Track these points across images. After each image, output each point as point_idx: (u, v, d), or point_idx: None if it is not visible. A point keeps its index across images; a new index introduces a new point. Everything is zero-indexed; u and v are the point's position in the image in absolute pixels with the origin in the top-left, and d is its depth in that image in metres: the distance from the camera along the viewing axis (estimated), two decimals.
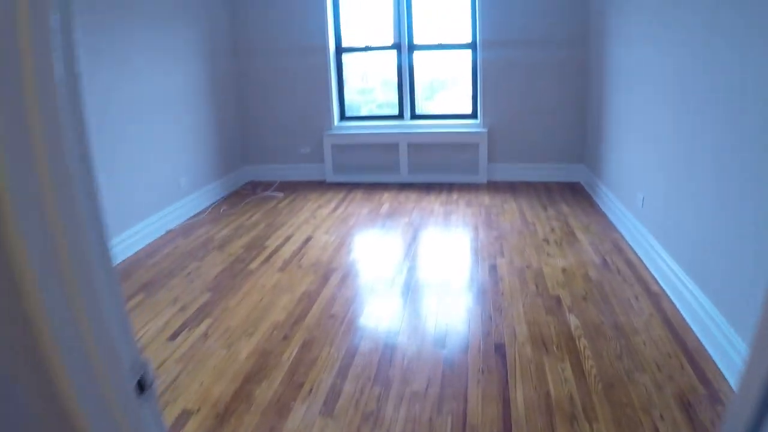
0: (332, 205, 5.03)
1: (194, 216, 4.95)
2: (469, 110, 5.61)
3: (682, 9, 2.92)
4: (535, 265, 3.54)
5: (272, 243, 4.18)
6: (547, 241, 3.95)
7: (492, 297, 3.16)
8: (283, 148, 5.91)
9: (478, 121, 5.44)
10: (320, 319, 3.04)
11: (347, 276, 3.54)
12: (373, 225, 4.50)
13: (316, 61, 5.56)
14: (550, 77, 5.20)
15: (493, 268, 3.53)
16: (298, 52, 5.58)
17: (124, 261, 4.07)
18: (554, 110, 5.28)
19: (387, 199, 5.09)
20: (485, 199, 4.98)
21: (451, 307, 3.09)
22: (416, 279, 3.44)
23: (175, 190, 4.78)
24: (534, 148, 5.41)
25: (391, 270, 3.60)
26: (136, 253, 4.21)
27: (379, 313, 3.05)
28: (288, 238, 4.25)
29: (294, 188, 5.65)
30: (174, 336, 3.00)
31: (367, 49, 5.75)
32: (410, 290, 3.29)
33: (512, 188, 5.29)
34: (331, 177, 5.70)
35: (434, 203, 4.93)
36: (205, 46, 5.18)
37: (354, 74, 6.38)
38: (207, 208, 5.17)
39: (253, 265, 3.81)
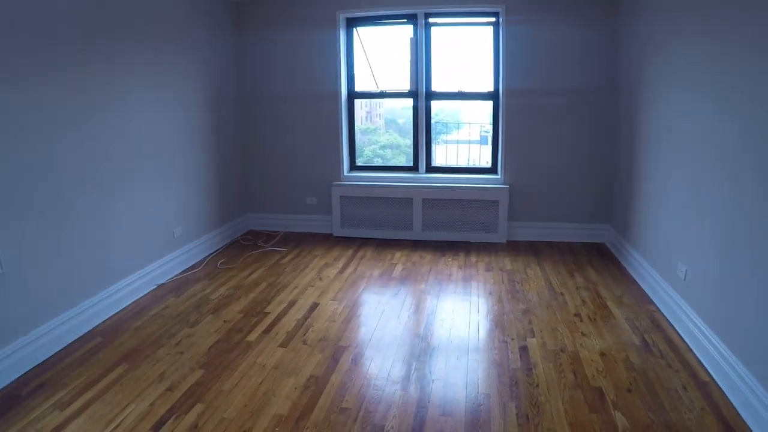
0: (340, 263, 4.62)
1: (189, 269, 4.53)
2: (488, 164, 5.29)
3: (749, 53, 2.57)
4: (570, 348, 3.14)
5: (274, 309, 3.76)
6: (579, 316, 3.56)
7: (526, 389, 2.75)
8: (287, 197, 5.55)
9: (498, 176, 5.11)
10: (330, 413, 2.61)
11: (359, 358, 3.11)
12: (386, 291, 4.10)
13: (326, 107, 5.25)
14: (576, 130, 4.90)
15: (524, 351, 3.13)
16: (306, 98, 5.27)
17: (106, 321, 3.64)
18: (579, 166, 4.97)
19: (400, 259, 4.70)
20: (506, 262, 4.61)
21: (480, 400, 2.67)
22: (437, 365, 3.02)
23: (169, 240, 4.38)
24: (556, 206, 5.08)
25: (407, 351, 3.17)
26: (120, 311, 3.79)
27: (396, 411, 2.62)
28: (292, 304, 3.83)
29: (299, 241, 5.25)
30: (158, 426, 2.56)
31: (382, 95, 5.46)
32: (431, 380, 2.87)
33: (534, 249, 4.93)
34: (338, 230, 5.31)
35: (452, 266, 4.54)
36: (207, 89, 4.86)
37: (358, 113, 6.13)
38: (203, 260, 4.75)
39: (252, 337, 3.38)
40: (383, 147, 5.90)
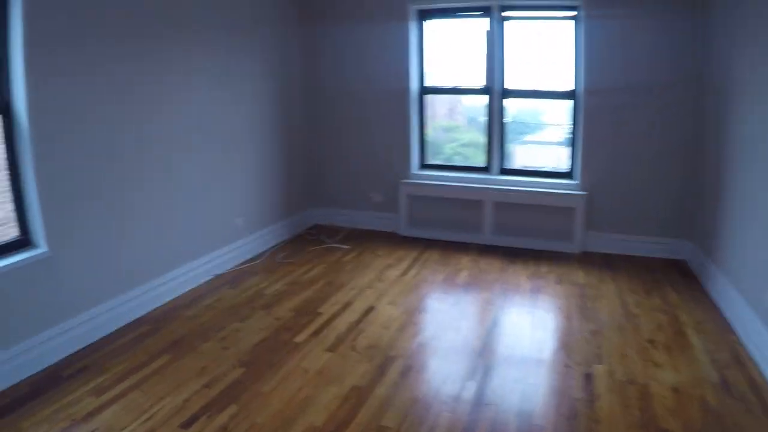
0: (403, 265, 4.35)
1: (248, 261, 4.44)
2: (565, 167, 4.82)
3: None
4: (641, 379, 2.71)
5: (327, 310, 3.55)
6: (653, 342, 3.09)
7: (586, 424, 2.37)
8: (354, 192, 5.35)
9: (575, 182, 4.64)
10: (366, 430, 2.35)
11: (408, 371, 2.83)
12: (448, 299, 3.78)
13: (396, 102, 4.99)
14: (659, 134, 4.33)
15: (589, 379, 2.72)
16: (375, 92, 5.03)
17: (159, 307, 3.61)
18: (661, 173, 4.39)
19: (466, 265, 4.36)
20: (579, 275, 4.14)
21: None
22: (491, 387, 2.68)
23: (230, 231, 4.30)
24: (636, 217, 4.53)
25: (461, 368, 2.86)
26: (175, 299, 3.75)
27: None
28: (347, 306, 3.61)
29: (362, 239, 5.04)
30: (188, 424, 2.43)
31: (454, 91, 5.13)
32: (482, 404, 2.54)
33: (609, 263, 4.41)
34: (404, 230, 5.05)
35: (520, 276, 4.14)
36: (274, 83, 4.76)
37: (440, 110, 5.83)
38: (264, 252, 4.65)
39: (301, 338, 3.19)
40: (464, 145, 5.59)
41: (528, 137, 5.57)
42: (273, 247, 4.80)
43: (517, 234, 4.72)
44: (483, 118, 4.91)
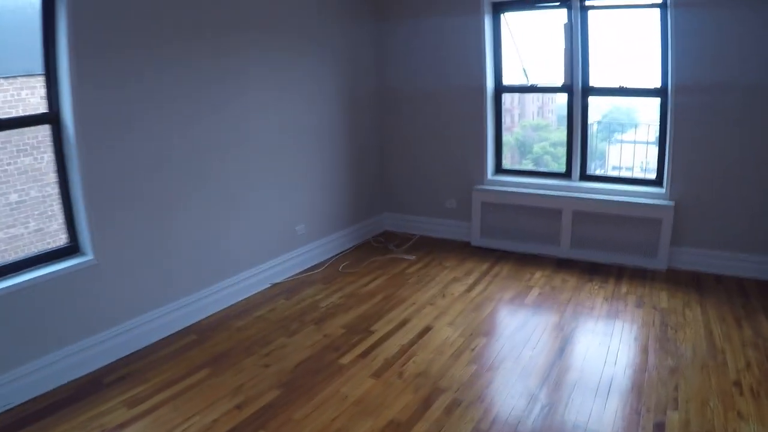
0: (470, 279, 3.99)
1: (309, 269, 4.29)
2: (652, 175, 4.24)
3: None
4: None
5: (381, 328, 3.30)
6: (739, 386, 2.55)
7: None
8: (426, 198, 5.04)
9: (663, 191, 4.05)
10: None
11: (455, 406, 2.51)
12: (512, 321, 3.39)
13: (470, 102, 4.61)
14: (761, 137, 3.66)
15: (659, 430, 2.25)
16: (448, 92, 4.69)
17: (211, 316, 3.55)
18: (763, 182, 3.71)
19: (539, 281, 3.92)
20: (662, 297, 3.58)
21: None
22: None
23: (290, 238, 4.17)
24: (729, 231, 3.87)
25: (513, 407, 2.48)
26: (228, 307, 3.67)
27: None
28: (402, 324, 3.34)
29: (432, 247, 4.73)
30: None
31: (532, 89, 4.67)
32: None
33: (698, 283, 3.80)
34: (477, 240, 4.67)
35: (597, 296, 3.64)
36: (339, 85, 4.54)
37: (530, 107, 5.49)
38: (327, 260, 4.48)
39: (347, 359, 2.96)
40: (554, 144, 5.16)
41: (621, 136, 5.01)
42: (337, 254, 4.62)
43: (597, 247, 4.21)
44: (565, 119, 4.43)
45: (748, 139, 3.70)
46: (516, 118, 6.10)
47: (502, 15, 4.47)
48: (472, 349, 3.00)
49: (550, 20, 4.40)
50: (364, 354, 3.00)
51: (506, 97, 4.80)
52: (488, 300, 3.64)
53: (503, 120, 4.77)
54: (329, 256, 4.56)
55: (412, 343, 3.11)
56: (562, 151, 4.62)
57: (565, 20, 4.15)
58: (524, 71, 4.55)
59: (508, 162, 4.97)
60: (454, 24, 4.53)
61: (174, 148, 3.25)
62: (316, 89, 4.30)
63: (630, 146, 4.91)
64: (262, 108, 3.81)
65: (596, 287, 3.79)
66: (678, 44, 3.74)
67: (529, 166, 5.14)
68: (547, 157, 5.18)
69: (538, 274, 4.05)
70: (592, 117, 4.54)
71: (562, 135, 4.65)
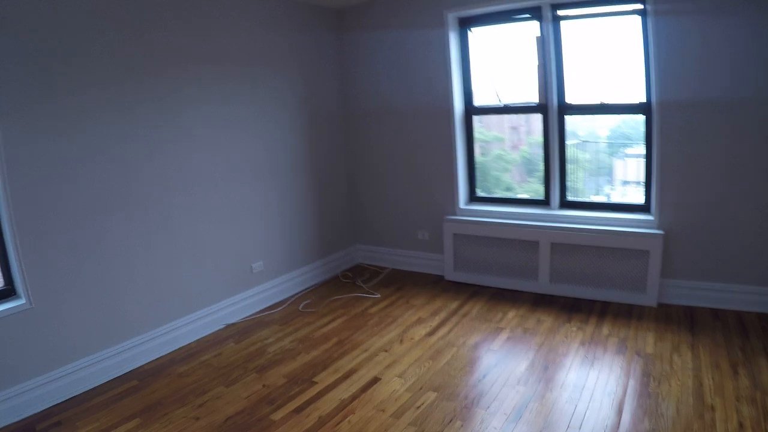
0: (435, 321, 3.67)
1: (269, 308, 4.04)
2: (639, 199, 3.86)
3: None
4: None
5: (324, 379, 3.00)
6: None
7: None
8: (397, 229, 4.75)
9: (651, 218, 3.68)
10: None
11: None
12: (470, 372, 3.01)
13: (438, 125, 4.32)
14: (759, 156, 3.28)
15: None
16: (416, 115, 4.41)
17: (158, 359, 3.36)
18: (762, 206, 3.32)
19: (511, 322, 3.57)
20: (648, 340, 3.19)
21: None
22: None
23: (245, 277, 3.93)
24: (727, 260, 3.48)
25: None
26: (177, 350, 3.47)
27: None
28: (349, 375, 3.03)
29: (403, 282, 4.43)
30: None
31: (505, 110, 4.34)
32: None
33: (691, 320, 3.40)
34: (450, 274, 4.36)
35: (573, 340, 3.27)
36: (304, 109, 4.33)
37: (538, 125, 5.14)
38: (291, 297, 4.23)
39: (279, 415, 2.68)
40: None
41: (630, 150, 4.72)
42: (302, 291, 4.34)
43: (579, 282, 3.84)
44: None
45: (746, 159, 3.33)
46: (523, 135, 5.80)
47: (469, 31, 4.20)
48: (418, 407, 2.68)
49: (522, 34, 4.09)
50: (299, 409, 2.71)
51: (512, 115, 4.51)
52: (449, 346, 3.31)
53: (511, 138, 4.52)
54: (293, 293, 4.29)
55: (354, 397, 2.80)
56: (568, 168, 4.26)
57: (537, 33, 3.87)
58: (495, 90, 4.25)
59: (515, 180, 4.66)
60: (418, 44, 4.27)
61: (114, 191, 3.10)
62: (271, 118, 4.06)
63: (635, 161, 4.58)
64: (209, 145, 3.60)
65: (574, 329, 3.42)
66: (660, 55, 3.41)
67: (515, 192, 4.83)
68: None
69: (511, 314, 3.71)
70: (601, 132, 4.26)
71: (570, 152, 4.31)
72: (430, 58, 4.24)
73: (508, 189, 5.50)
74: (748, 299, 3.46)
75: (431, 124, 4.35)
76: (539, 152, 5.19)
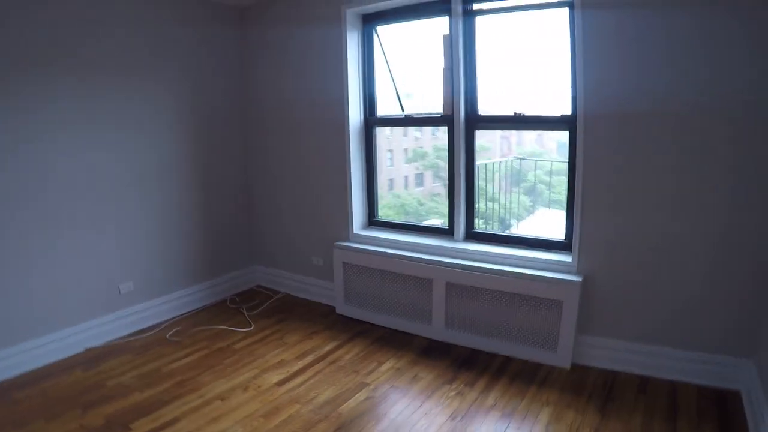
0: (297, 365, 3.30)
1: (137, 333, 3.76)
2: (560, 234, 3.35)
3: None
4: None
5: (140, 427, 2.68)
6: None
7: None
8: (293, 253, 4.37)
9: (569, 260, 3.17)
10: None
11: None
12: None
13: (332, 138, 3.90)
14: (703, 182, 2.75)
15: None
16: (312, 124, 4.01)
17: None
18: (707, 246, 2.78)
19: (382, 376, 3.16)
20: (542, 417, 2.67)
21: None
22: None
23: (111, 298, 3.65)
24: (659, 318, 2.95)
25: None
26: (23, 374, 3.21)
27: None
28: (165, 427, 2.69)
29: (290, 312, 4.09)
30: None
31: (406, 121, 3.91)
32: None
33: (609, 391, 2.89)
34: (341, 307, 4.00)
35: (443, 410, 2.78)
36: (195, 110, 4.01)
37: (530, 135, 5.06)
38: (165, 322, 3.94)
39: None
40: (549, 173, 4.76)
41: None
42: (179, 316, 4.03)
43: (479, 331, 3.38)
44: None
45: (688, 185, 2.77)
46: (513, 145, 5.48)
47: (375, 30, 3.76)
48: None
49: (433, 33, 3.62)
50: None
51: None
52: (293, 402, 2.90)
53: (500, 147, 4.25)
54: (167, 318, 3.97)
55: None
56: (558, 180, 3.97)
57: (445, 31, 3.41)
58: (398, 98, 3.81)
59: (498, 190, 4.39)
60: (317, 39, 3.83)
61: None
62: (149, 120, 3.74)
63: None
64: (73, 149, 3.34)
65: (452, 393, 2.94)
66: (588, 57, 2.86)
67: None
68: (542, 187, 4.67)
69: (387, 365, 3.31)
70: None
71: (561, 164, 3.94)
72: (327, 61, 3.80)
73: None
74: (687, 368, 2.91)
75: (325, 136, 3.94)
76: (529, 163, 4.84)
